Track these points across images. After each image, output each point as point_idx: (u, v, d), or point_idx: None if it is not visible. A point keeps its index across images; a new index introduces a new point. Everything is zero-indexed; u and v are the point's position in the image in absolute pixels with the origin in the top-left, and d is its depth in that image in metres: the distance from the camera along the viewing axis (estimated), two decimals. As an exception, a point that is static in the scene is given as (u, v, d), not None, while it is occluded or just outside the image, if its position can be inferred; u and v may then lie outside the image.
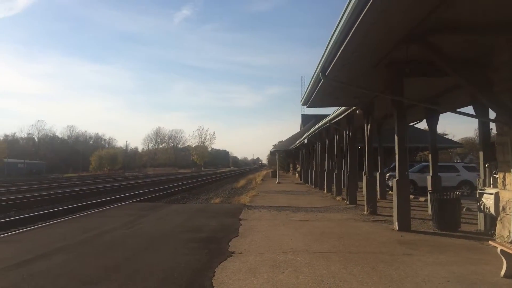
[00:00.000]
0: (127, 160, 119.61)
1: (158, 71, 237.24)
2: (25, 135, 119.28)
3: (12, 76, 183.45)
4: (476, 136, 45.55)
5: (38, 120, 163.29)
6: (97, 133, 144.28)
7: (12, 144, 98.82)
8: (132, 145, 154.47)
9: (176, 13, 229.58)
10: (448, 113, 15.58)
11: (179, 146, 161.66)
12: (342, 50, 7.93)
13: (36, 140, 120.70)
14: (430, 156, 13.96)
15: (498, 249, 6.06)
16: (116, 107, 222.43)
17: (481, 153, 10.29)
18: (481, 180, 9.79)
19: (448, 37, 7.88)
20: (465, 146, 63.83)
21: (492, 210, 8.46)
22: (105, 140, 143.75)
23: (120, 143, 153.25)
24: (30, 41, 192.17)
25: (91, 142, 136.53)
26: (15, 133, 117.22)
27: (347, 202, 16.56)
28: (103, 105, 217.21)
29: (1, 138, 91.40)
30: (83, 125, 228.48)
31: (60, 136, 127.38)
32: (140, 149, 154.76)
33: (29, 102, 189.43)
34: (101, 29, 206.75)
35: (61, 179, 58.86)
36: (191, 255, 7.44)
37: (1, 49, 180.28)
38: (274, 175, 42.61)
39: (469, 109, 10.74)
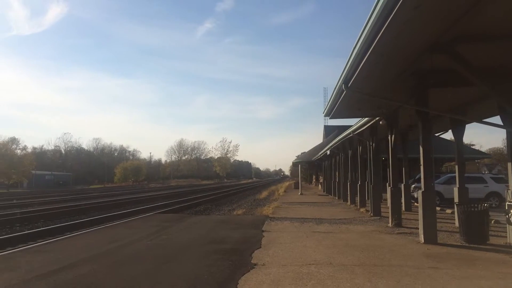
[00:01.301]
0: (150, 171, 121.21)
1: (180, 84, 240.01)
2: (52, 148, 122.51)
3: (40, 91, 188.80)
4: (504, 146, 44.36)
5: (65, 133, 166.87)
6: (122, 145, 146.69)
7: (40, 156, 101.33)
8: (155, 157, 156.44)
9: (198, 27, 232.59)
10: (475, 123, 15.26)
11: (202, 157, 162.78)
12: (364, 61, 7.90)
13: (63, 152, 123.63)
14: (456, 167, 13.67)
15: (529, 263, 5.88)
16: (140, 120, 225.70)
17: (509, 164, 10.02)
18: (509, 191, 9.51)
19: (474, 46, 7.77)
20: (493, 156, 62.28)
21: (522, 223, 8.22)
22: (129, 152, 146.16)
23: (144, 155, 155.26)
24: (57, 57, 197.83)
25: (116, 154, 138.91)
26: (42, 146, 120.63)
27: (371, 214, 16.34)
28: (128, 118, 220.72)
29: (30, 151, 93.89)
30: (108, 138, 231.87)
31: (86, 148, 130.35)
32: (163, 161, 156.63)
33: (56, 116, 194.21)
34: (125, 44, 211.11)
35: (87, 190, 60.01)
36: (214, 266, 7.45)
37: (30, 64, 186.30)
38: (296, 186, 42.35)
39: (497, 119, 10.50)
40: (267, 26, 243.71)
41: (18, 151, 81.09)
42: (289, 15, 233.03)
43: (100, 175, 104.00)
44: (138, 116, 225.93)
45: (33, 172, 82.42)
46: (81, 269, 7.34)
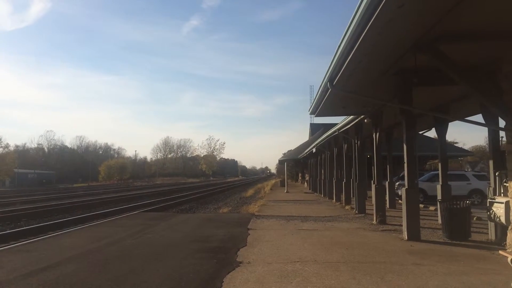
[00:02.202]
0: (136, 169, 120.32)
1: (166, 81, 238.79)
2: (35, 146, 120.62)
3: (22, 87, 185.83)
4: (487, 144, 45.12)
5: (47, 131, 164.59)
6: (107, 143, 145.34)
7: (22, 155, 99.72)
8: (141, 155, 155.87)
9: (184, 23, 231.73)
10: (458, 121, 15.47)
11: (188, 155, 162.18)
12: (349, 59, 7.94)
13: (46, 150, 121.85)
14: (439, 164, 13.85)
15: (509, 259, 6.00)
16: (125, 117, 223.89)
17: (491, 162, 10.19)
18: (491, 189, 9.68)
19: (457, 45, 7.85)
20: (476, 154, 63.19)
21: (503, 219, 8.36)
22: (114, 150, 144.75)
23: (129, 152, 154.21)
24: (40, 53, 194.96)
25: (100, 152, 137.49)
26: (25, 144, 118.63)
27: (356, 212, 16.47)
28: (112, 115, 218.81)
29: (12, 149, 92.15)
30: (92, 135, 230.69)
31: (69, 146, 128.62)
32: (149, 159, 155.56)
33: (38, 113, 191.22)
34: (110, 40, 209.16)
35: (70, 189, 59.23)
36: (199, 265, 7.44)
37: (11, 60, 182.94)
38: (282, 184, 42.46)
39: (479, 118, 10.66)
40: (254, 23, 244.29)
41: (0, 149, 79.63)
42: (276, 12, 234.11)
43: (84, 173, 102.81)
44: (123, 113, 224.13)
45: (16, 170, 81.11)
46: (65, 268, 7.25)
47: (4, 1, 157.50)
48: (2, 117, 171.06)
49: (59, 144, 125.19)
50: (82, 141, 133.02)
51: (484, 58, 8.72)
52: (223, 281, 6.27)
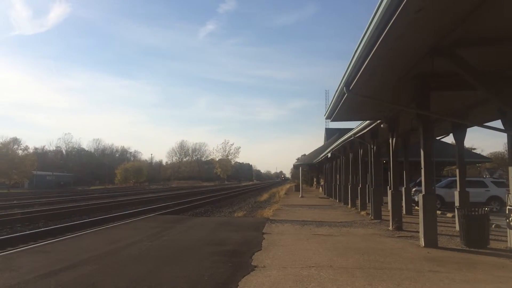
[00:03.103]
0: (151, 173, 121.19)
1: (182, 86, 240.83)
2: (54, 148, 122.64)
3: (41, 91, 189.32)
4: (505, 150, 44.32)
5: (66, 133, 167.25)
6: (123, 146, 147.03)
7: (41, 157, 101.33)
8: (156, 158, 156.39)
9: (200, 28, 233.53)
10: (477, 127, 15.27)
11: (203, 159, 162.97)
12: (366, 64, 7.93)
13: (64, 153, 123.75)
14: (457, 170, 13.67)
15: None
16: (141, 121, 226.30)
17: (510, 168, 10.01)
18: (510, 196, 9.51)
19: (475, 49, 7.79)
20: (494, 160, 62.14)
21: (523, 227, 8.22)
22: (130, 153, 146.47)
23: (145, 156, 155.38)
24: (59, 57, 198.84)
25: (117, 155, 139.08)
26: (44, 146, 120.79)
27: (372, 217, 16.33)
28: (129, 119, 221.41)
29: (31, 151, 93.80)
30: (109, 138, 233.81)
31: (86, 149, 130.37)
32: (164, 162, 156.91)
33: (57, 116, 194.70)
34: (127, 44, 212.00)
35: (87, 191, 60.02)
36: (215, 268, 7.47)
37: (31, 64, 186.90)
38: (297, 189, 42.34)
39: (498, 123, 10.50)
40: (269, 27, 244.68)
41: (20, 152, 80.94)
42: (292, 16, 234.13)
43: (101, 176, 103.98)
44: (139, 117, 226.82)
45: (34, 172, 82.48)
46: (82, 269, 7.35)
47: (24, 6, 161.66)
48: (22, 120, 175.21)
49: (76, 147, 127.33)
50: (99, 144, 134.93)
51: (503, 63, 8.60)
52: (238, 285, 6.28)
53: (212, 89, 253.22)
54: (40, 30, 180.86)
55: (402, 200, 17.02)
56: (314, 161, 46.69)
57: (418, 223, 10.34)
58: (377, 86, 9.80)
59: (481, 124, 11.14)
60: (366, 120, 16.03)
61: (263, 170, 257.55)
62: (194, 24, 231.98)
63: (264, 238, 11.04)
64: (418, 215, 10.35)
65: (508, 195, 9.74)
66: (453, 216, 14.86)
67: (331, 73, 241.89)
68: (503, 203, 18.05)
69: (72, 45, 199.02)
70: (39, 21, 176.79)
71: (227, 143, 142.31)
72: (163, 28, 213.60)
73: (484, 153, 60.95)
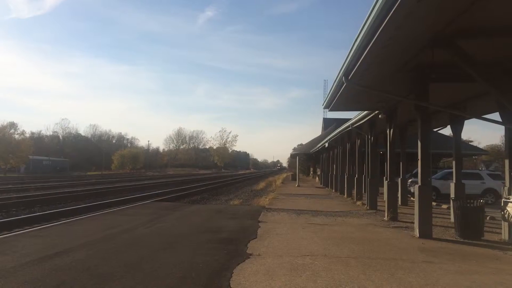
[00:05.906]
0: (148, 159, 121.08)
1: (180, 72, 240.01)
2: (51, 133, 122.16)
3: (38, 75, 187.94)
4: (502, 143, 44.38)
5: (62, 118, 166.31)
6: (120, 133, 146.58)
7: (37, 142, 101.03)
8: (153, 145, 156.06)
9: (199, 14, 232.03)
10: (474, 119, 15.26)
11: (200, 147, 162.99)
12: (366, 53, 7.85)
13: (61, 138, 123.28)
14: (454, 162, 13.69)
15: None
16: (139, 107, 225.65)
17: (506, 161, 10.04)
18: (506, 188, 9.54)
19: (476, 40, 7.74)
20: (491, 153, 62.24)
21: (518, 220, 8.25)
22: (127, 139, 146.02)
23: (142, 142, 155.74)
24: (56, 41, 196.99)
25: (114, 141, 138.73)
26: (40, 131, 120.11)
27: (367, 207, 16.39)
28: (126, 105, 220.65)
29: (28, 136, 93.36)
30: (106, 124, 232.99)
31: (83, 134, 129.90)
32: (161, 149, 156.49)
33: (54, 101, 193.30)
34: (125, 30, 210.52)
35: (84, 177, 59.99)
36: (210, 255, 7.48)
37: (29, 48, 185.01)
38: (294, 178, 42.42)
39: (496, 116, 10.50)
40: (270, 16, 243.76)
41: (16, 136, 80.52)
42: (292, 5, 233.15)
43: (97, 162, 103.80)
44: (136, 103, 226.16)
45: (31, 157, 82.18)
46: (77, 254, 7.35)
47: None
48: (18, 104, 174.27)
49: (73, 132, 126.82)
50: (96, 129, 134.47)
51: (503, 55, 8.56)
52: (233, 272, 6.30)
53: (210, 76, 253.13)
54: (37, 13, 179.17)
55: (398, 191, 17.07)
56: (311, 150, 46.71)
57: (413, 214, 10.39)
58: (377, 76, 9.74)
59: (479, 116, 11.14)
60: (364, 111, 15.99)
61: (260, 159, 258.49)
62: (193, 10, 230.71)
63: (260, 227, 11.07)
64: (414, 206, 10.39)
65: (503, 188, 9.78)
66: (448, 208, 14.93)
67: (330, 62, 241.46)
68: (498, 196, 18.13)
69: (69, 29, 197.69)
70: (36, 4, 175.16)
71: (225, 131, 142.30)
72: (162, 13, 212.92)
73: (481, 146, 61.05)
